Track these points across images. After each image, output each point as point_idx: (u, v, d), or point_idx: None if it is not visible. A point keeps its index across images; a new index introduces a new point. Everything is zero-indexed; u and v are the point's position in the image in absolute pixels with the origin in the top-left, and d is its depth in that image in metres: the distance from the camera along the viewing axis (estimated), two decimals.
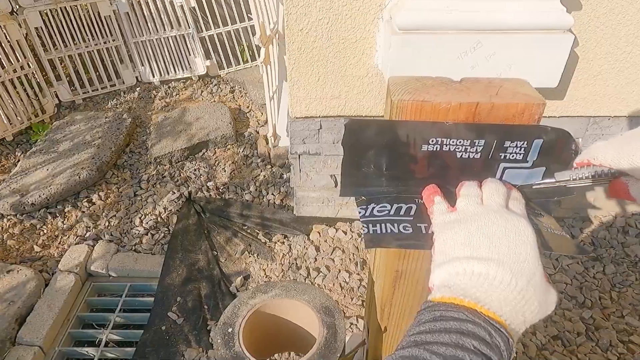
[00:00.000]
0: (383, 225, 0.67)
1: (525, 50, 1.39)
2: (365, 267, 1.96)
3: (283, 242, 2.12)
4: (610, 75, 1.63)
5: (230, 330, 0.74)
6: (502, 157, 0.65)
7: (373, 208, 0.68)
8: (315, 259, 2.01)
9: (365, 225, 0.67)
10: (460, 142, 0.64)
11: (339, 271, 1.95)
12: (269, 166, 2.63)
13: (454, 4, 1.31)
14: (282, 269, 1.99)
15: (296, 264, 2.00)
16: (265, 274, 2.00)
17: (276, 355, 1.50)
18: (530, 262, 0.43)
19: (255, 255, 2.09)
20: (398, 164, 0.66)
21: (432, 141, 0.63)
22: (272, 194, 2.42)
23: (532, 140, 0.64)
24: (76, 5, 3.33)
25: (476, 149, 0.65)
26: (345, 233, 2.10)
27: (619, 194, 0.54)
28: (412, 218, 0.66)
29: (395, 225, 0.67)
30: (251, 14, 3.46)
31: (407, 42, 1.38)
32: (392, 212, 0.67)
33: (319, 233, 2.12)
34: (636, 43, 1.55)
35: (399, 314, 0.78)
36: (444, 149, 0.64)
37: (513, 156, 0.65)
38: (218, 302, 1.92)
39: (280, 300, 0.80)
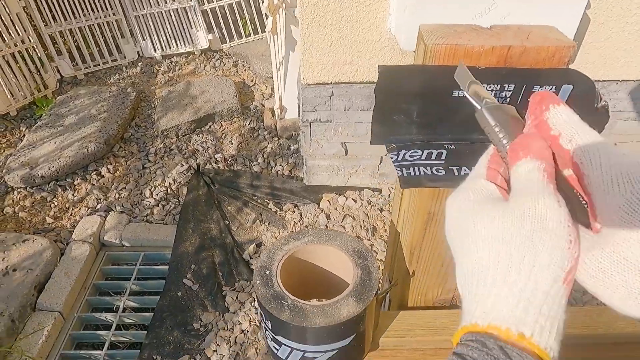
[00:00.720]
0: (416, 168, 0.69)
1: (538, 12, 1.40)
2: (375, 234, 2.00)
3: (294, 211, 2.16)
4: (620, 38, 1.64)
5: (267, 272, 0.76)
6: None
7: (405, 153, 0.70)
8: (326, 226, 2.05)
9: (398, 169, 0.69)
10: (490, 86, 0.66)
11: None
12: (276, 138, 2.64)
13: None
14: None
15: None
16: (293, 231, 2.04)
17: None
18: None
19: (266, 223, 2.13)
20: (428, 111, 0.68)
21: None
22: (281, 165, 2.44)
23: (561, 85, 0.66)
24: None
25: (505, 94, 0.67)
26: (355, 201, 2.13)
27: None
28: (443, 161, 0.69)
29: (428, 167, 0.69)
30: None
31: (422, 4, 1.38)
32: (423, 157, 0.70)
33: (329, 201, 2.15)
34: None
35: (428, 257, 0.81)
36: None
37: None
38: (232, 269, 1.96)
39: (313, 245, 0.83)
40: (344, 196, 2.16)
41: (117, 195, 2.36)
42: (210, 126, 2.80)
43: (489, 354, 0.28)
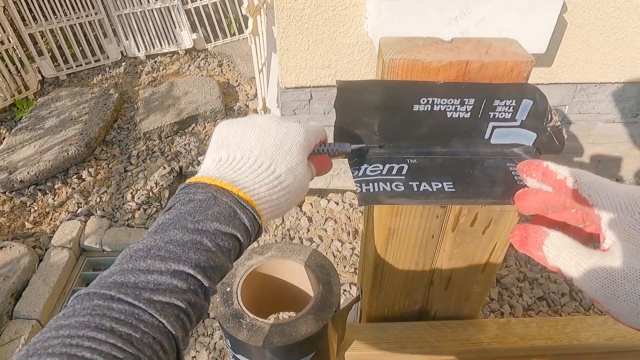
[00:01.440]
0: (376, 184, 0.69)
1: (514, 16, 1.39)
2: (357, 237, 2.00)
3: None
4: (597, 41, 1.65)
5: (228, 289, 0.76)
6: (492, 116, 0.66)
7: (366, 168, 0.69)
8: (308, 230, 2.04)
9: (358, 185, 0.69)
10: (450, 101, 0.65)
11: (332, 241, 1.98)
12: None
13: None
14: (276, 240, 2.02)
15: (289, 234, 2.03)
16: (258, 244, 2.03)
17: (279, 314, 1.55)
18: (294, 154, 0.46)
19: None
20: (389, 125, 0.67)
21: (423, 101, 0.64)
22: None
23: (520, 99, 0.66)
24: None
25: (466, 108, 0.66)
26: (337, 204, 2.13)
27: (525, 243, 0.41)
28: (404, 177, 0.68)
29: (388, 183, 0.68)
30: None
31: (398, 8, 1.37)
32: (384, 172, 0.69)
33: (311, 204, 2.15)
34: (624, 8, 1.56)
35: (391, 271, 0.81)
36: (434, 108, 0.65)
37: (502, 115, 0.67)
38: None
39: (276, 260, 0.82)
40: (326, 199, 2.16)
41: (98, 199, 2.34)
42: (193, 128, 2.78)
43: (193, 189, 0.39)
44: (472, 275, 0.81)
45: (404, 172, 0.69)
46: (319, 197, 2.17)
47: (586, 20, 1.58)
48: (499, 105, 0.66)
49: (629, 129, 1.97)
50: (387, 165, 0.69)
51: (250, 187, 0.41)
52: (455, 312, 0.89)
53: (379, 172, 0.69)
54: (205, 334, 1.71)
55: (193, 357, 1.64)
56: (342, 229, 2.03)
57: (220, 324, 0.71)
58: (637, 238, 0.33)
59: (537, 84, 1.79)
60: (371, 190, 0.68)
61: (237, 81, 3.23)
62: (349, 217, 2.08)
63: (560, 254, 0.37)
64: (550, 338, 0.85)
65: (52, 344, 0.28)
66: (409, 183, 0.68)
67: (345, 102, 0.67)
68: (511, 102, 0.66)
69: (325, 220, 2.07)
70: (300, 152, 0.47)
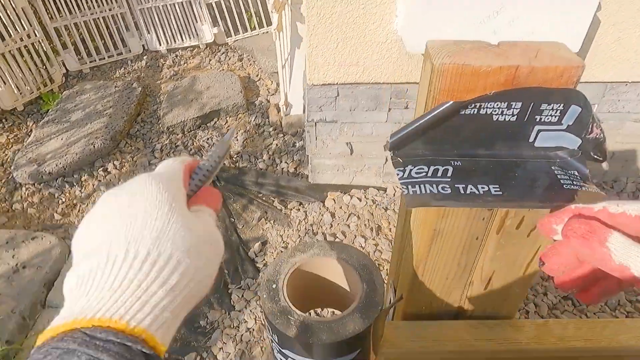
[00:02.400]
0: (422, 185, 0.70)
1: (547, 15, 1.38)
2: (380, 233, 2.01)
3: (299, 209, 2.17)
4: (630, 40, 1.62)
5: (274, 286, 0.78)
6: (538, 119, 0.67)
7: (411, 170, 0.70)
8: (331, 225, 2.06)
9: (405, 187, 0.70)
10: (497, 104, 0.66)
11: (355, 237, 2.00)
12: (281, 135, 2.64)
13: None
14: (299, 235, 2.04)
15: (312, 229, 2.05)
16: (282, 239, 2.05)
17: (319, 310, 1.58)
18: (156, 219, 0.32)
19: (271, 221, 2.14)
20: (435, 128, 0.68)
21: (471, 105, 0.65)
22: (286, 162, 2.44)
23: (569, 105, 0.66)
24: None
25: (512, 112, 0.67)
26: (360, 200, 2.14)
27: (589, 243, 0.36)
28: (449, 179, 0.69)
29: (434, 185, 0.69)
30: None
31: (429, 6, 1.37)
32: (429, 174, 0.70)
33: (334, 200, 2.16)
34: None
35: (432, 270, 0.82)
36: (481, 112, 0.66)
37: (548, 118, 0.67)
38: (237, 266, 1.98)
39: (318, 258, 0.84)
40: (349, 195, 2.17)
41: None
42: (215, 122, 2.81)
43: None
44: (513, 277, 0.82)
45: (449, 174, 0.70)
46: (342, 192, 2.18)
47: (620, 18, 1.56)
48: (546, 109, 0.67)
49: None
50: (432, 167, 0.70)
51: (107, 306, 0.28)
52: (492, 312, 0.91)
53: (424, 174, 0.70)
54: (232, 326, 1.74)
55: (220, 349, 1.67)
56: (365, 225, 2.05)
57: (268, 320, 0.73)
58: None
59: None
60: (418, 192, 0.69)
61: (257, 76, 3.25)
62: (372, 214, 2.09)
63: (629, 251, 0.33)
64: (589, 340, 0.86)
65: None
66: (455, 185, 0.69)
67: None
68: (559, 106, 0.67)
69: (349, 216, 2.08)
70: (163, 207, 0.33)
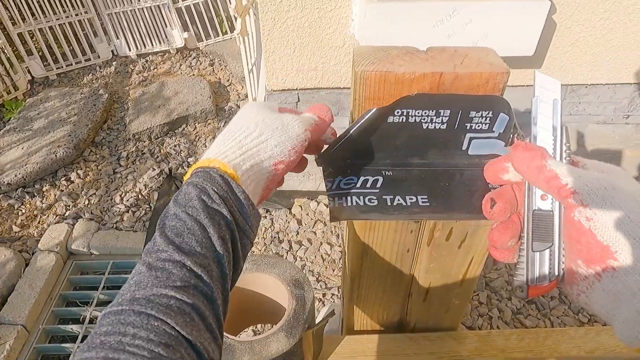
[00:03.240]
0: (349, 197, 0.67)
1: (501, 18, 1.37)
2: None
3: (265, 217, 2.13)
4: (587, 42, 1.63)
5: None
6: (468, 127, 0.65)
7: (340, 181, 0.67)
8: (297, 232, 2.02)
9: (331, 198, 0.67)
10: (425, 112, 0.63)
11: (321, 244, 1.97)
12: None
13: None
14: (265, 243, 2.00)
15: (278, 237, 2.02)
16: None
17: (249, 328, 1.53)
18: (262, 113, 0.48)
19: None
20: (364, 138, 0.65)
21: (398, 112, 0.62)
22: None
23: (497, 112, 0.64)
24: None
25: (441, 119, 0.64)
26: (327, 206, 2.11)
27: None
28: (378, 190, 0.66)
29: (361, 197, 0.67)
30: None
31: (383, 10, 1.35)
32: (358, 185, 0.67)
33: (301, 207, 2.13)
34: (612, 10, 1.54)
35: (367, 284, 0.79)
36: (409, 120, 0.63)
37: (479, 126, 0.65)
38: None
39: (250, 274, 0.80)
40: (316, 201, 2.14)
41: (86, 202, 2.31)
42: (183, 129, 2.75)
43: (210, 176, 0.39)
44: (451, 289, 0.80)
45: (378, 184, 0.67)
46: (308, 199, 2.15)
47: (576, 21, 1.56)
48: (475, 116, 0.64)
49: (621, 130, 1.95)
50: (362, 178, 0.68)
51: (216, 154, 0.42)
52: (435, 324, 0.88)
53: (353, 184, 0.67)
54: None
55: None
56: (331, 231, 2.02)
57: None
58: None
59: (526, 86, 1.77)
60: (344, 204, 0.66)
61: (228, 81, 3.20)
62: None
63: (560, 165, 0.38)
64: (531, 350, 0.84)
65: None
66: (383, 197, 0.66)
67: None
68: (487, 114, 0.65)
69: (315, 223, 2.05)
70: (249, 110, 0.49)
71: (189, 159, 2.51)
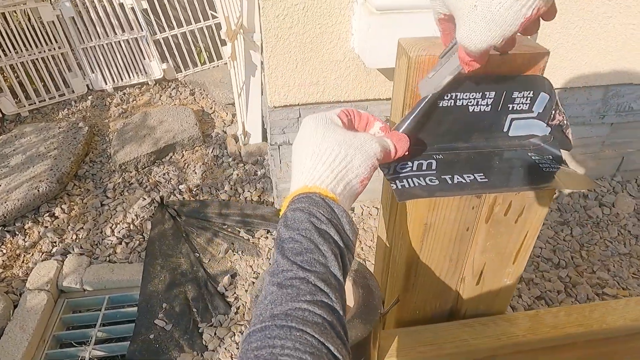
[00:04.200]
0: (409, 180, 0.69)
1: None
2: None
3: (267, 237, 2.10)
4: (565, 48, 1.76)
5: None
6: (510, 108, 0.69)
7: (395, 166, 0.69)
8: None
9: (392, 182, 0.68)
10: (472, 95, 0.67)
11: None
12: (242, 164, 2.59)
13: None
14: (270, 263, 1.96)
15: None
16: (252, 270, 1.97)
17: None
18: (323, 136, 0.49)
19: (239, 252, 2.05)
20: (415, 122, 0.68)
21: (447, 96, 0.65)
22: (249, 191, 2.38)
23: (538, 92, 0.68)
24: (15, 11, 3.12)
25: (487, 102, 0.68)
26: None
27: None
28: (435, 171, 0.68)
29: (422, 178, 0.68)
30: (212, 12, 3.40)
31: (385, 21, 1.41)
32: (414, 168, 0.69)
33: None
34: (586, 18, 1.68)
35: (425, 269, 0.80)
36: (457, 103, 0.67)
37: (520, 107, 0.69)
38: (207, 303, 1.86)
39: None
40: None
41: (74, 237, 2.20)
42: (171, 156, 2.71)
43: (313, 200, 0.44)
44: (503, 268, 0.82)
45: (433, 167, 0.70)
46: None
47: (555, 29, 1.69)
48: (517, 97, 0.69)
49: (598, 130, 2.10)
50: (416, 162, 0.70)
51: (294, 186, 0.47)
52: (485, 309, 0.89)
53: (409, 168, 0.69)
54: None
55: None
56: None
57: None
58: None
59: None
60: (407, 185, 0.68)
61: (211, 108, 3.20)
62: None
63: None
64: (581, 325, 0.86)
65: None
66: (442, 176, 0.68)
67: None
68: (529, 94, 0.69)
69: None
70: (319, 127, 0.50)
71: (180, 186, 2.46)
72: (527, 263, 1.89)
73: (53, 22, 3.21)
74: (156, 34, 3.43)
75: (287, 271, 0.39)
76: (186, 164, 2.65)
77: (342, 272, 0.42)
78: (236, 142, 2.68)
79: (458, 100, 0.68)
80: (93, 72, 3.41)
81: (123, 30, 3.35)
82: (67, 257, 2.07)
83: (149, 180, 2.53)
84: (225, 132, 2.89)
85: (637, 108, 2.03)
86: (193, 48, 3.57)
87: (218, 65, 3.57)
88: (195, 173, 2.57)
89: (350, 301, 0.75)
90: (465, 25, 0.45)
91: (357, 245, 2.02)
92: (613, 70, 1.86)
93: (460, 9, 0.45)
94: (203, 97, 3.35)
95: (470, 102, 0.69)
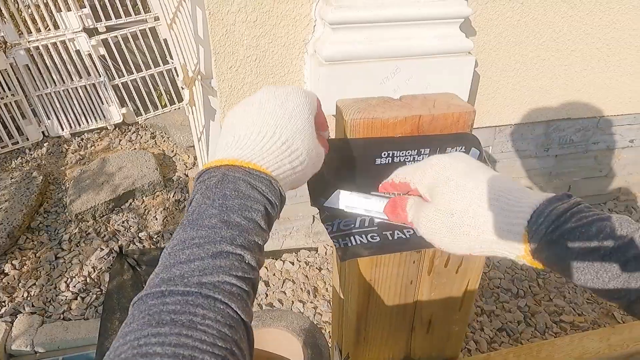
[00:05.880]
0: (352, 237, 0.71)
1: (437, 72, 1.56)
2: (317, 294, 1.97)
3: None
4: (506, 89, 1.88)
5: None
6: None
7: (339, 223, 0.71)
8: (267, 295, 1.97)
9: (335, 241, 0.70)
10: (408, 152, 0.71)
11: (292, 302, 1.93)
12: None
13: (372, 35, 1.44)
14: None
15: None
16: None
17: None
18: (297, 118, 0.46)
19: None
20: (355, 181, 0.71)
21: (384, 154, 0.69)
22: None
23: (469, 147, 0.73)
24: None
25: (422, 157, 0.72)
26: (293, 263, 2.10)
27: (395, 211, 0.60)
28: (376, 227, 0.71)
29: (363, 235, 0.71)
30: (169, 58, 3.43)
31: (335, 72, 1.47)
32: (357, 225, 0.71)
33: (266, 267, 2.10)
34: (523, 61, 1.81)
35: (374, 322, 0.81)
36: (394, 160, 0.70)
37: None
38: None
39: (257, 330, 0.79)
40: (281, 260, 2.12)
41: (25, 294, 2.09)
42: (130, 203, 2.65)
43: (273, 187, 0.43)
44: (450, 315, 0.84)
45: (375, 223, 0.72)
46: (273, 259, 2.13)
47: (494, 72, 1.81)
48: (451, 152, 0.73)
49: (544, 162, 2.22)
50: (359, 219, 0.72)
51: (259, 157, 0.43)
52: (437, 356, 0.90)
53: (352, 225, 0.72)
54: None
55: None
56: (301, 289, 1.99)
57: None
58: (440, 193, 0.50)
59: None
60: (349, 244, 0.70)
61: (173, 151, 3.18)
62: (307, 276, 2.05)
63: (414, 212, 0.55)
64: None
65: (122, 351, 0.31)
66: (383, 233, 0.71)
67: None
68: (461, 149, 0.74)
69: (283, 282, 2.02)
70: (304, 114, 0.47)
71: (140, 234, 2.40)
72: (488, 295, 1.94)
73: (6, 69, 3.14)
74: (115, 79, 3.41)
75: (226, 244, 0.38)
76: (146, 210, 2.60)
77: (264, 254, 0.44)
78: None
79: (395, 158, 0.72)
80: (49, 119, 3.34)
81: (80, 77, 3.32)
82: (17, 317, 1.95)
83: (107, 229, 2.45)
84: (187, 176, 2.86)
85: (577, 140, 2.16)
86: (153, 91, 3.57)
87: (179, 108, 3.58)
88: (156, 219, 2.52)
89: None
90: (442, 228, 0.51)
91: (323, 286, 2.01)
92: (552, 106, 2.00)
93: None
94: (164, 140, 3.32)
95: (407, 158, 0.73)
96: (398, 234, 0.71)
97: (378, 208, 0.61)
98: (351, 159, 0.69)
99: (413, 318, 0.83)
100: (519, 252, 0.43)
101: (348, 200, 0.63)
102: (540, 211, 0.42)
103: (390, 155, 0.70)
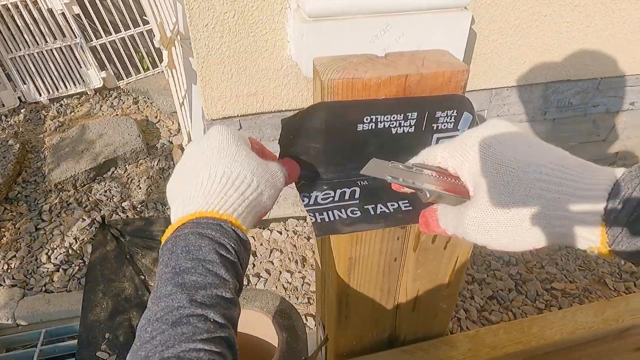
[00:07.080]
0: (330, 212, 0.64)
1: (430, 30, 1.44)
2: (306, 264, 1.93)
3: None
4: (503, 49, 1.77)
5: None
6: (435, 127, 0.65)
7: (317, 196, 0.64)
8: (254, 265, 1.93)
9: (312, 214, 0.63)
10: (394, 117, 0.63)
11: (280, 273, 1.89)
12: None
13: None
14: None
15: None
16: None
17: None
18: (228, 150, 0.45)
19: None
20: (335, 148, 0.63)
21: (367, 119, 0.61)
22: None
23: (462, 111, 0.64)
24: None
25: (409, 122, 0.64)
26: (280, 233, 2.05)
27: (429, 226, 0.52)
28: (358, 201, 0.64)
29: (343, 210, 0.64)
30: (146, 17, 3.23)
31: (319, 29, 1.36)
32: (336, 198, 0.64)
33: (254, 237, 2.04)
34: (522, 17, 1.69)
35: (356, 302, 0.75)
36: (378, 126, 0.62)
37: (444, 125, 0.65)
38: None
39: None
40: (269, 229, 2.07)
41: (5, 267, 2.03)
42: (113, 172, 2.55)
43: (225, 231, 0.41)
44: (438, 292, 0.78)
45: (356, 195, 0.65)
46: (260, 228, 2.08)
47: (492, 30, 1.69)
48: (441, 116, 0.65)
49: (540, 127, 2.14)
50: (339, 191, 0.65)
51: (202, 203, 0.42)
52: (424, 333, 0.86)
53: (331, 199, 0.64)
54: None
55: None
56: (289, 258, 1.95)
57: None
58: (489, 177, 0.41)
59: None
60: (326, 219, 0.63)
61: (156, 117, 3.05)
62: (295, 245, 2.01)
63: (455, 223, 0.46)
64: (520, 342, 0.84)
65: None
66: (365, 207, 0.64)
67: (289, 134, 0.62)
68: (452, 113, 0.65)
69: (271, 252, 1.97)
70: (233, 143, 0.46)
71: (123, 204, 2.32)
72: (479, 263, 1.90)
73: None
74: (92, 41, 3.23)
75: (184, 308, 0.36)
76: (130, 179, 2.51)
77: (238, 306, 0.42)
78: (182, 153, 2.57)
79: (379, 123, 0.64)
80: (25, 84, 3.18)
81: (55, 38, 3.13)
82: None
83: (88, 199, 2.37)
84: (172, 143, 2.76)
85: (576, 103, 2.08)
86: (134, 54, 3.40)
87: (162, 71, 3.41)
88: (140, 188, 2.43)
89: (275, 344, 0.69)
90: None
91: (311, 256, 1.97)
92: (551, 67, 1.90)
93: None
94: (147, 106, 3.19)
95: (392, 124, 0.65)
96: (381, 207, 0.64)
97: (429, 186, 0.49)
98: (330, 125, 0.61)
99: (397, 296, 0.77)
100: (594, 243, 0.37)
101: (394, 171, 0.50)
102: (615, 193, 0.35)
103: (374, 121, 0.62)
